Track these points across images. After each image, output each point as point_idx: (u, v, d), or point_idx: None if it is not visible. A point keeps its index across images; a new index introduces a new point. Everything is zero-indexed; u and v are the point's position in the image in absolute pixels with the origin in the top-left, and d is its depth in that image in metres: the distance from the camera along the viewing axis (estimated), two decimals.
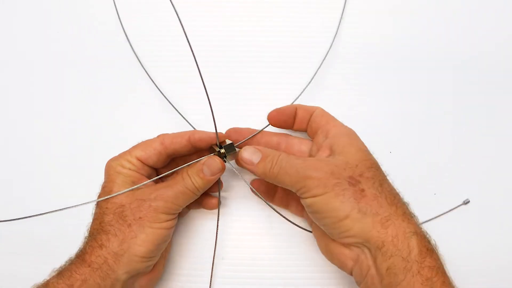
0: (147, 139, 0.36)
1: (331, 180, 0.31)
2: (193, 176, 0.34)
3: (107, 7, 0.48)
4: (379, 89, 0.45)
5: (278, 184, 0.34)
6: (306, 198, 0.32)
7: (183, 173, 0.35)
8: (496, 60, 0.46)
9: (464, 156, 0.43)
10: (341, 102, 0.44)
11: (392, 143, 0.43)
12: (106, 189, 0.34)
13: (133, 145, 0.36)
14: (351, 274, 0.32)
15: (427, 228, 0.32)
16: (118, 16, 0.47)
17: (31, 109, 0.45)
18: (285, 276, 0.39)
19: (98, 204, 0.34)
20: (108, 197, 0.33)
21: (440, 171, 0.42)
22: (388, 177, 0.34)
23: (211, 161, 0.35)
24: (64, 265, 0.32)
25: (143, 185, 0.34)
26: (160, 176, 0.36)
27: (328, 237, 0.33)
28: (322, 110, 0.38)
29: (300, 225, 0.37)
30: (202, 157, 0.35)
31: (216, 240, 0.39)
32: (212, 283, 0.38)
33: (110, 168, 0.35)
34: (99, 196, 0.34)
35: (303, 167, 0.32)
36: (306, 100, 0.44)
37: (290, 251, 0.40)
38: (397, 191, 0.33)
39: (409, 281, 0.28)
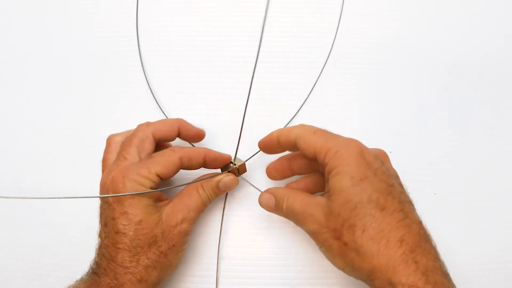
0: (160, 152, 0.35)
1: (322, 234, 0.30)
2: (209, 191, 0.35)
3: (103, 5, 0.48)
4: (380, 89, 0.45)
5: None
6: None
7: (198, 188, 0.35)
8: (496, 60, 0.46)
9: (464, 156, 0.43)
10: (341, 102, 0.44)
11: (392, 143, 0.43)
12: (131, 215, 0.31)
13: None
14: None
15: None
16: (136, 18, 0.47)
17: (27, 108, 0.45)
18: (285, 276, 0.39)
19: (125, 234, 0.31)
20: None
21: (440, 171, 0.42)
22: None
23: (229, 180, 0.36)
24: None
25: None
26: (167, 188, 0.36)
27: None
28: (304, 128, 0.34)
29: None
30: (217, 174, 0.37)
31: (220, 239, 0.39)
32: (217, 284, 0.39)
33: (128, 189, 0.32)
34: (117, 220, 0.31)
35: (301, 212, 0.32)
36: (306, 102, 0.44)
37: (290, 251, 0.40)
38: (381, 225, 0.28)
39: None
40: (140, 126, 0.37)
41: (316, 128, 0.33)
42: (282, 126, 0.43)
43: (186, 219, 0.34)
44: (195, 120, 0.42)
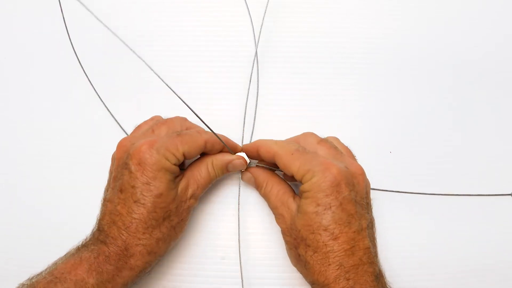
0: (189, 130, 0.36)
1: (286, 235, 0.34)
2: (217, 170, 0.37)
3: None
4: (380, 89, 0.45)
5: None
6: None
7: (208, 165, 0.36)
8: (496, 60, 0.46)
9: (464, 156, 0.43)
10: (341, 102, 0.44)
11: (392, 143, 0.43)
12: (152, 187, 0.31)
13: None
14: None
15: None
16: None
17: (27, 108, 0.45)
18: (285, 276, 0.39)
19: (143, 204, 0.31)
20: None
21: (440, 171, 0.42)
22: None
23: (239, 162, 0.37)
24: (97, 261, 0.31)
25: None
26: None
27: None
28: (282, 148, 0.35)
29: None
30: (228, 154, 0.37)
31: (239, 239, 0.39)
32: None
33: (155, 161, 0.31)
34: (137, 189, 0.31)
35: (274, 207, 0.36)
36: (306, 102, 0.44)
37: None
38: (331, 253, 0.31)
39: None
40: (177, 117, 0.38)
41: (295, 147, 0.34)
42: (284, 125, 0.43)
43: (194, 195, 0.35)
44: (197, 119, 0.42)
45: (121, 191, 0.32)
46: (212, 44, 0.46)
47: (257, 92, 0.44)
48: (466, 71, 0.46)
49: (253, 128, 0.43)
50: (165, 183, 0.32)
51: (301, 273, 0.34)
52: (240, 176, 0.40)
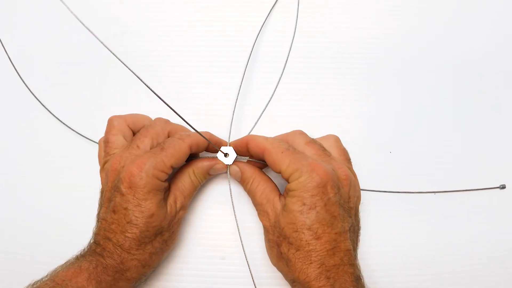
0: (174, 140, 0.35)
1: (269, 233, 0.34)
2: (200, 177, 0.37)
3: None
4: (380, 89, 0.45)
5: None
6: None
7: (190, 175, 0.37)
8: (496, 60, 0.46)
9: (464, 156, 0.43)
10: (341, 102, 0.44)
11: (392, 143, 0.43)
12: (144, 209, 0.32)
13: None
14: None
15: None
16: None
17: (27, 108, 0.45)
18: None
19: (136, 225, 0.32)
20: None
21: (440, 171, 0.42)
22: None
23: (219, 167, 0.38)
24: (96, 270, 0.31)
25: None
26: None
27: None
28: (273, 145, 0.35)
29: None
30: (207, 159, 0.38)
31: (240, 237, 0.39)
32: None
33: (145, 184, 0.32)
34: (129, 211, 0.32)
35: (259, 203, 0.36)
36: (306, 102, 0.44)
37: None
38: (313, 252, 0.31)
39: None
40: (159, 120, 0.38)
41: (285, 147, 0.34)
42: (284, 125, 0.43)
43: (183, 206, 0.36)
44: (196, 118, 0.42)
45: (114, 211, 0.33)
46: (212, 44, 0.46)
47: (273, 93, 0.44)
48: (466, 71, 0.46)
49: (253, 127, 0.43)
50: (155, 203, 0.33)
51: (281, 271, 0.34)
52: (228, 174, 0.39)
